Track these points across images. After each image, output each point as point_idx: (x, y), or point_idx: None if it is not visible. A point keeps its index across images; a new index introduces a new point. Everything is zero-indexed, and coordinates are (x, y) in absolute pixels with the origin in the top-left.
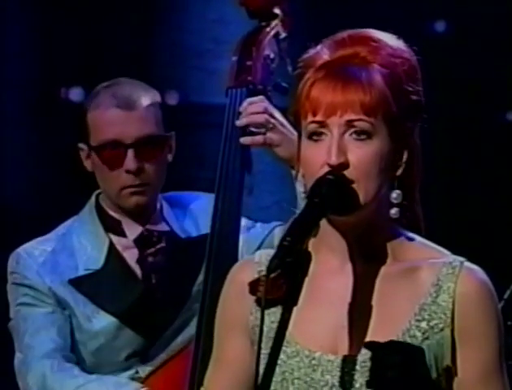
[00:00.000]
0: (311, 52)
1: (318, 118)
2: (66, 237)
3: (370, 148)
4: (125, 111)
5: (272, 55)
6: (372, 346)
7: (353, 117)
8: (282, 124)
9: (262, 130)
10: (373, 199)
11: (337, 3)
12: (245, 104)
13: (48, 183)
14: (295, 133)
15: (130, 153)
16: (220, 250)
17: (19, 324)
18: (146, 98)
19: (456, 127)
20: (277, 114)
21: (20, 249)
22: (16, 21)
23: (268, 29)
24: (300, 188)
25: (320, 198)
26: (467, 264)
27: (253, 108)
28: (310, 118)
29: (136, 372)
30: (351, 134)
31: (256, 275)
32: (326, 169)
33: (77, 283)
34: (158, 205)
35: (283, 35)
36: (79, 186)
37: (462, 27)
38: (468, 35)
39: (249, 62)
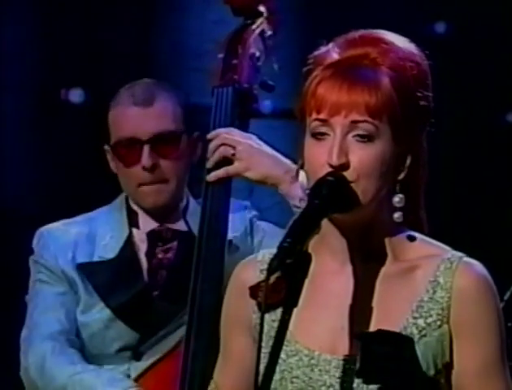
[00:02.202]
0: (322, 50)
1: (322, 116)
2: (91, 222)
3: (373, 150)
4: (141, 108)
5: (258, 53)
6: (362, 336)
7: (357, 118)
8: (250, 146)
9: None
10: (372, 200)
11: (337, 4)
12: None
13: (49, 184)
14: (265, 150)
15: (146, 149)
16: (208, 250)
17: (32, 299)
18: (164, 96)
19: (456, 128)
20: (239, 137)
21: (44, 228)
22: (16, 21)
23: (254, 27)
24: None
25: (320, 199)
26: (466, 259)
27: (211, 147)
28: (314, 115)
29: (128, 369)
30: (354, 135)
31: (258, 274)
32: (327, 168)
33: (83, 268)
34: (183, 205)
35: (268, 33)
36: (79, 187)
37: (462, 28)
38: (468, 36)
39: (234, 61)
